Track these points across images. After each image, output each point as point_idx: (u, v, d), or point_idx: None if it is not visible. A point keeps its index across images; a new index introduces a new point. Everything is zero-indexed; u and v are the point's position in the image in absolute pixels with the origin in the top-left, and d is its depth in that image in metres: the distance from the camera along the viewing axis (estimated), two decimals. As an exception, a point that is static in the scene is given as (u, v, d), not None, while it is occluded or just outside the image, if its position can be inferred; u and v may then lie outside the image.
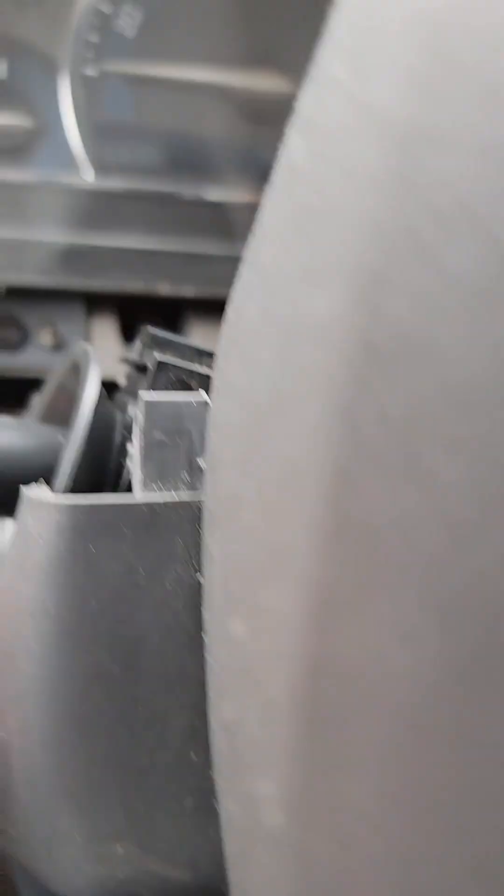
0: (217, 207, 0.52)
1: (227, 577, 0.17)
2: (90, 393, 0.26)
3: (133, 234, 0.50)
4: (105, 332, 0.53)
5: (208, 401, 0.25)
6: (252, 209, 0.51)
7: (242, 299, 0.18)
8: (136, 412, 0.24)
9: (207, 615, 0.20)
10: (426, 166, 0.13)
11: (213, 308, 0.54)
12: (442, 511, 0.13)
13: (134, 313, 0.55)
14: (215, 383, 0.21)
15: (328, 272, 0.14)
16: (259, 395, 0.16)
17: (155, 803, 0.24)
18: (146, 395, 0.24)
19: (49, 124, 0.50)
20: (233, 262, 0.50)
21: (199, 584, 0.24)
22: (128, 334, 0.55)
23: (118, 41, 0.50)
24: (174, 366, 0.27)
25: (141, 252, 0.50)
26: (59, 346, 0.52)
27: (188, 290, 0.51)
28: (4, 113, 0.49)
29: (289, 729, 0.14)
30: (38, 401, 0.34)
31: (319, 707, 0.14)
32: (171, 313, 0.57)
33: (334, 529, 0.14)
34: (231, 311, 0.20)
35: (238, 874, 0.17)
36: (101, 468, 0.27)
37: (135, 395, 0.30)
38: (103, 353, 0.52)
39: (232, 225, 0.52)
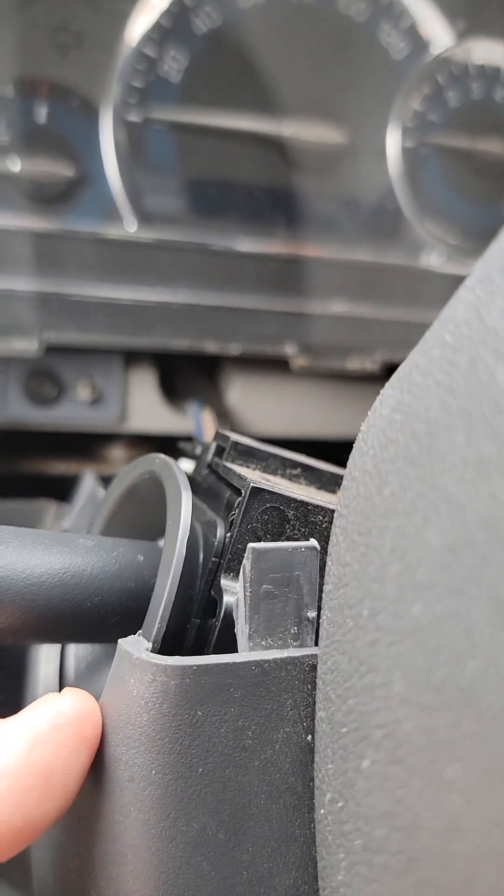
0: (260, 260, 0.50)
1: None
2: (182, 534, 0.24)
3: (177, 287, 0.48)
4: (143, 385, 0.52)
5: (317, 546, 0.23)
6: (296, 262, 0.50)
7: (410, 507, 0.17)
8: (244, 564, 0.23)
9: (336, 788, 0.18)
10: None
11: (253, 362, 0.53)
12: None
13: (172, 365, 0.54)
14: (349, 558, 0.19)
15: None
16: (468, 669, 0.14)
17: None
18: (255, 545, 0.23)
19: (90, 172, 0.48)
20: (278, 318, 0.49)
21: (308, 742, 0.23)
22: (166, 385, 0.53)
23: (163, 86, 0.48)
24: (269, 492, 0.25)
25: (185, 307, 0.48)
26: (96, 400, 0.50)
27: (234, 348, 0.49)
28: (44, 159, 0.47)
29: None
30: (104, 498, 0.32)
31: None
32: (210, 365, 0.55)
33: None
34: (375, 490, 0.18)
35: None
36: (187, 599, 0.25)
37: (214, 503, 0.29)
38: (142, 407, 0.51)
39: (276, 279, 0.50)
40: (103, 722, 0.23)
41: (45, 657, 0.30)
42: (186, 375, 0.55)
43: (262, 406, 0.53)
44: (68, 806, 0.22)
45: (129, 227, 0.48)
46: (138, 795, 0.22)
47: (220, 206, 0.50)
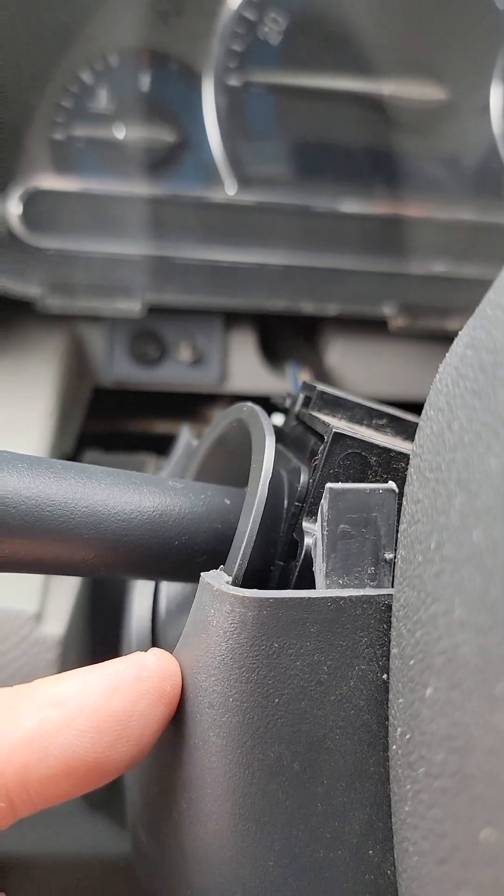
0: (359, 221, 0.50)
1: (461, 755, 0.16)
2: (265, 474, 0.25)
3: (274, 249, 0.49)
4: (243, 346, 0.53)
5: (395, 489, 0.23)
6: (397, 222, 0.49)
7: (474, 435, 0.17)
8: (321, 503, 0.23)
9: (416, 788, 0.19)
10: None
11: (353, 324, 0.53)
12: None
13: (272, 328, 0.54)
14: (421, 495, 0.20)
15: None
16: None
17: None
18: (332, 485, 0.23)
19: (191, 137, 0.49)
20: (377, 279, 0.49)
21: (384, 681, 0.23)
22: (265, 348, 0.54)
23: (263, 49, 0.48)
24: (351, 438, 0.26)
25: (283, 268, 0.49)
26: (197, 360, 0.52)
27: (332, 309, 0.49)
28: (147, 126, 0.48)
29: None
30: (196, 447, 0.33)
31: None
32: (309, 327, 0.55)
33: None
34: (444, 424, 0.19)
35: None
36: (271, 541, 0.26)
37: (300, 452, 0.29)
38: (242, 367, 0.52)
39: (374, 239, 0.50)
40: (183, 644, 0.24)
41: (139, 595, 0.31)
42: (286, 337, 0.55)
43: (361, 367, 0.53)
44: (141, 756, 0.23)
45: (230, 191, 0.49)
46: (216, 721, 0.23)
47: (319, 167, 0.50)
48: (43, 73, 0.46)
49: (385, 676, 0.23)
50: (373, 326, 0.52)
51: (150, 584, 0.32)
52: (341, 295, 0.49)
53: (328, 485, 0.23)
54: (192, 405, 0.56)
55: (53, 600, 0.36)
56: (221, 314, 0.52)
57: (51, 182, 0.48)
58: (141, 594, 0.31)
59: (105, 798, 0.42)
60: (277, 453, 0.27)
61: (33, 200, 0.47)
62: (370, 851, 0.24)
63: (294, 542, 0.27)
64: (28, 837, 0.44)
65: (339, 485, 0.23)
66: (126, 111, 0.48)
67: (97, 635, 0.41)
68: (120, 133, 0.48)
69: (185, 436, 0.39)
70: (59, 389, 0.47)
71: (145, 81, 0.48)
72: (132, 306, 0.47)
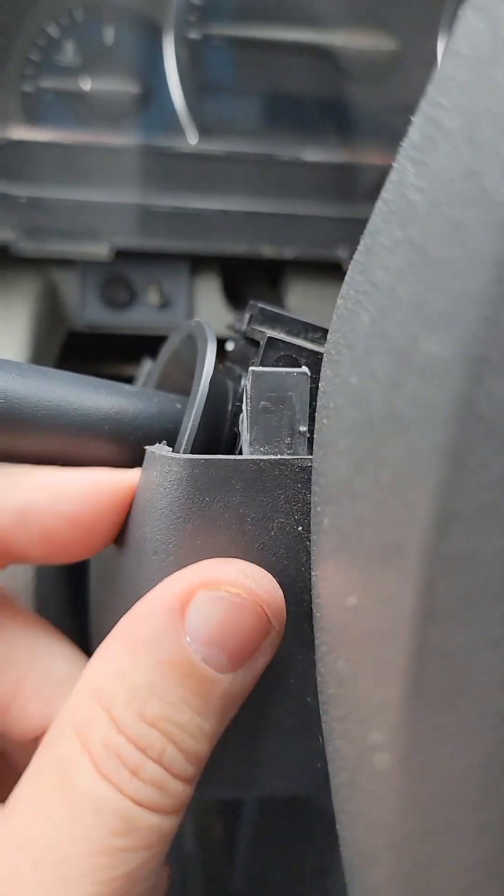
0: (316, 168, 0.53)
1: (339, 552, 0.19)
2: (208, 369, 0.28)
3: (235, 196, 0.52)
4: (209, 290, 0.56)
5: (308, 372, 0.27)
6: (350, 170, 0.52)
7: (355, 302, 0.20)
8: (245, 382, 0.27)
9: (319, 583, 0.22)
10: None
11: (312, 268, 0.56)
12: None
13: (236, 272, 0.57)
14: (326, 370, 0.23)
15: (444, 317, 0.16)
16: (373, 404, 0.18)
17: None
18: (254, 367, 0.26)
19: (154, 89, 0.52)
20: (332, 223, 0.52)
21: (300, 532, 0.26)
22: (230, 292, 0.57)
23: (221, 3, 0.51)
24: (284, 342, 0.29)
25: (243, 214, 0.52)
26: (165, 304, 0.55)
27: (289, 252, 0.52)
28: (111, 79, 0.51)
29: (401, 692, 0.17)
30: (153, 367, 0.37)
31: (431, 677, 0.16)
32: (272, 272, 0.58)
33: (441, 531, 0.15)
34: (343, 307, 0.22)
35: (342, 797, 0.20)
36: (215, 435, 0.29)
37: (244, 365, 0.33)
38: (207, 310, 0.55)
39: (331, 186, 0.53)
40: (133, 509, 0.27)
41: None
42: (250, 283, 0.58)
43: (319, 308, 0.56)
44: (104, 544, 0.28)
45: (192, 140, 0.52)
46: (160, 565, 0.26)
47: (279, 117, 0.53)
48: (10, 26, 0.49)
49: (300, 528, 0.26)
50: (331, 270, 0.56)
51: None
52: (298, 239, 0.53)
53: (251, 368, 0.27)
54: (159, 348, 0.59)
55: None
56: (187, 259, 0.55)
57: (21, 133, 0.51)
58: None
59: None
60: (227, 368, 0.30)
61: (5, 151, 0.50)
62: (292, 680, 0.27)
63: (236, 436, 0.30)
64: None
65: (260, 368, 0.27)
66: (91, 64, 0.51)
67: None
68: (86, 85, 0.51)
69: (147, 365, 0.42)
70: (33, 331, 0.50)
71: (109, 35, 0.51)
72: (100, 250, 0.51)
